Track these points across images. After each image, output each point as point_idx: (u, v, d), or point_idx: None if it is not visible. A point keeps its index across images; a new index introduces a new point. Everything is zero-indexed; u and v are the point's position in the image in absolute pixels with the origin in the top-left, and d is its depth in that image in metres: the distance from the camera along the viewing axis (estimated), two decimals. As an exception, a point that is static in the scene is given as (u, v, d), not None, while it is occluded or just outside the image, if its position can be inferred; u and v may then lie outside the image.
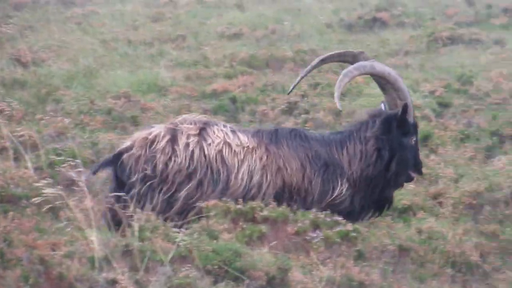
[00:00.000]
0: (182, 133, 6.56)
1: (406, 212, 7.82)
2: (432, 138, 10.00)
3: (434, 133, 10.12)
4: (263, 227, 6.26)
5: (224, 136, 6.64)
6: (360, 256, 6.26)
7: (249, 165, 6.64)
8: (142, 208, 6.24)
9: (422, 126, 10.10)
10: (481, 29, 16.82)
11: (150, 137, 6.51)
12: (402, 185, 7.28)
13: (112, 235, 5.56)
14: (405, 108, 6.94)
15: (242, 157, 6.64)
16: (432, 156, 9.48)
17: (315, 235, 6.25)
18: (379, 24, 17.52)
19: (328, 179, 6.89)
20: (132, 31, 18.11)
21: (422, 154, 9.31)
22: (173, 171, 6.44)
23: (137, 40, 16.75)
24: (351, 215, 7.04)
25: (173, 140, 6.51)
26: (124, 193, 6.34)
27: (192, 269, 5.29)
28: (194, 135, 6.57)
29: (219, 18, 19.40)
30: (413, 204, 7.89)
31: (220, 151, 6.56)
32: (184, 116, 6.88)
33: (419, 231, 7.05)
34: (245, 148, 6.68)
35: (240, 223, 6.17)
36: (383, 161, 7.00)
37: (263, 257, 5.71)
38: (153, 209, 6.31)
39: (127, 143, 6.61)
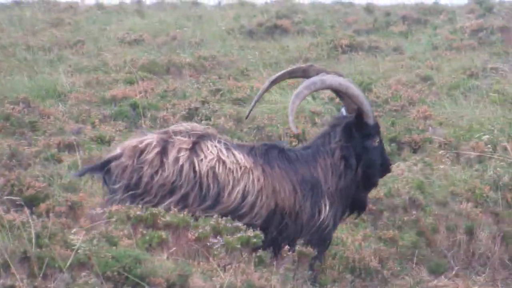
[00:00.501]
0: (173, 145, 6.49)
1: (305, 219, 7.89)
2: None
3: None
4: (164, 233, 6.23)
5: (218, 152, 6.57)
6: (260, 262, 6.30)
7: (246, 185, 6.58)
8: None
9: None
10: (380, 37, 17.17)
11: (140, 146, 6.43)
12: (375, 185, 7.29)
13: (10, 241, 5.48)
14: (358, 112, 6.93)
15: (239, 176, 6.58)
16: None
17: (216, 241, 6.26)
18: (279, 31, 17.67)
19: (315, 202, 6.87)
20: (31, 36, 17.82)
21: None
22: (157, 184, 6.39)
23: (36, 46, 16.49)
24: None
25: (163, 152, 6.45)
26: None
27: (91, 275, 5.21)
28: (186, 149, 6.49)
29: (119, 24, 19.29)
30: None
31: (213, 167, 6.50)
32: (182, 124, 6.82)
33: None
34: (242, 168, 6.62)
35: (140, 229, 6.08)
36: (352, 169, 7.01)
37: (163, 264, 5.69)
38: None
39: (117, 150, 6.54)
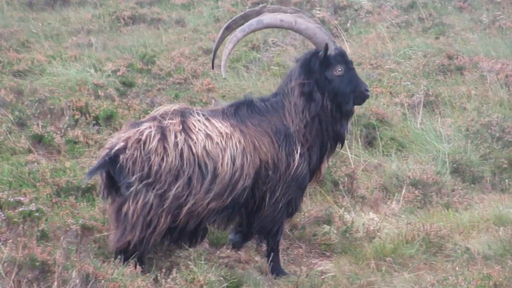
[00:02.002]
0: (169, 130, 6.54)
1: (89, 192, 7.84)
2: (116, 117, 10.07)
3: (118, 112, 10.18)
4: None
5: (204, 128, 6.65)
6: (43, 236, 6.27)
7: (231, 151, 6.65)
8: (136, 205, 6.35)
9: (105, 106, 10.25)
10: (162, 9, 17.16)
11: (142, 138, 6.44)
12: (351, 113, 7.27)
13: None
14: (325, 49, 6.97)
15: (224, 145, 6.64)
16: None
17: (-4, 215, 6.20)
18: (60, 2, 17.34)
19: (289, 150, 6.96)
20: None
21: (106, 135, 9.50)
22: (165, 171, 6.42)
23: None
24: (315, 174, 7.30)
25: (163, 139, 6.49)
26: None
27: None
28: (180, 131, 6.55)
29: None
30: (96, 184, 7.83)
31: (204, 145, 6.57)
32: (162, 108, 6.83)
33: (103, 211, 7.17)
34: (224, 136, 6.68)
35: None
36: (317, 102, 7.04)
37: None
38: (145, 205, 6.38)
39: (119, 144, 6.45)
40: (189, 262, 6.67)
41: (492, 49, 13.52)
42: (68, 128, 9.66)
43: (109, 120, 10.07)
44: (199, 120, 6.74)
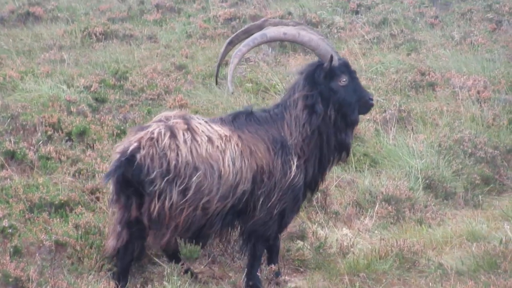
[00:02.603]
0: (177, 129, 6.62)
1: (62, 208, 7.83)
2: (88, 133, 10.06)
3: (91, 128, 10.17)
4: None
5: (206, 130, 6.74)
6: (16, 252, 6.24)
7: (231, 153, 6.72)
8: (157, 202, 6.45)
9: (78, 122, 10.23)
10: (134, 25, 17.14)
11: (154, 136, 6.53)
12: (356, 123, 7.33)
13: None
14: (330, 60, 7.01)
15: (224, 146, 6.71)
16: (89, 151, 9.56)
17: (-31, 232, 6.19)
18: (32, 18, 17.28)
19: (285, 160, 6.99)
20: None
21: (78, 151, 9.48)
22: (182, 165, 6.50)
23: None
24: (315, 186, 7.36)
25: (173, 136, 6.56)
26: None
27: None
28: (186, 130, 6.64)
29: None
30: (69, 200, 7.92)
31: (206, 145, 6.65)
32: (163, 113, 6.93)
33: (76, 226, 7.18)
34: (223, 138, 6.76)
35: None
36: (319, 115, 7.06)
37: None
38: (170, 200, 6.48)
39: (133, 144, 6.52)
40: (165, 277, 6.66)
41: (463, 65, 13.66)
42: (41, 144, 9.61)
43: (81, 136, 10.04)
44: (200, 123, 6.83)
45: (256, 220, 7.03)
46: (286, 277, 7.30)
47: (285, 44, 14.91)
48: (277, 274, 7.15)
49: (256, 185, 6.92)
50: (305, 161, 7.14)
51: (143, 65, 14.12)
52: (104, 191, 8.19)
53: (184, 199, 6.53)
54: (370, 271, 7.44)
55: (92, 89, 12.00)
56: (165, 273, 6.69)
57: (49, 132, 9.96)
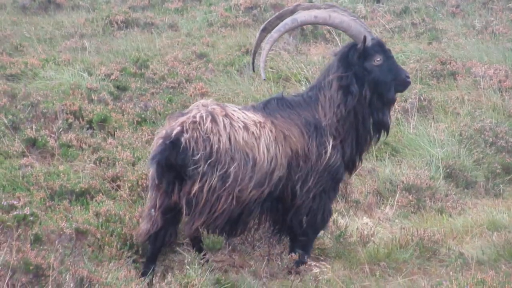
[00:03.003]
0: (217, 114, 6.66)
1: (83, 195, 7.86)
2: (109, 121, 10.10)
3: (112, 116, 10.21)
4: None
5: (241, 117, 6.76)
6: (37, 240, 6.24)
7: (265, 139, 6.73)
8: (198, 184, 6.46)
9: (99, 110, 10.26)
10: (155, 13, 17.16)
11: (197, 119, 6.57)
12: (393, 101, 7.32)
13: None
14: (363, 41, 7.01)
15: (259, 133, 6.72)
16: (110, 139, 9.60)
17: (-12, 220, 6.19)
18: (53, 6, 17.31)
19: (320, 141, 6.99)
20: None
21: (99, 139, 9.51)
22: (223, 150, 6.53)
23: None
24: (353, 166, 7.35)
25: (214, 121, 6.59)
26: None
27: None
28: (225, 115, 6.68)
29: None
30: (90, 187, 7.94)
31: (243, 130, 6.66)
32: (200, 101, 6.95)
33: (97, 214, 7.18)
34: (258, 125, 6.78)
35: None
36: (354, 95, 7.06)
37: None
38: (210, 187, 6.50)
39: (176, 128, 6.55)
40: (186, 266, 6.64)
41: (485, 55, 13.58)
42: (62, 132, 9.69)
43: (102, 124, 10.09)
44: (235, 110, 6.85)
45: (298, 208, 7.05)
46: (307, 265, 7.27)
47: (306, 33, 14.88)
48: (298, 263, 7.11)
49: (292, 170, 6.92)
50: (341, 141, 7.14)
51: (164, 53, 14.13)
52: (124, 179, 8.19)
53: (223, 186, 6.56)
54: (390, 260, 7.42)
55: (113, 77, 12.02)
56: (186, 261, 6.67)
57: (70, 120, 10.01)
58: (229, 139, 6.59)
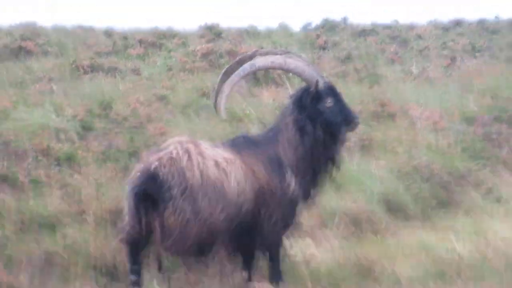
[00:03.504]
0: (192, 152, 6.72)
1: (52, 225, 7.91)
2: (76, 159, 10.12)
3: (78, 154, 10.23)
4: None
5: (212, 153, 6.84)
6: (9, 262, 6.27)
7: (235, 175, 6.81)
8: (174, 216, 6.52)
9: (65, 148, 10.31)
10: (119, 59, 17.16)
11: (173, 156, 6.63)
12: (344, 140, 7.49)
13: None
14: (315, 85, 7.16)
15: (229, 169, 6.80)
16: (76, 175, 9.61)
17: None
18: (24, 52, 17.29)
19: (282, 178, 7.11)
20: None
21: (66, 174, 9.52)
22: (196, 186, 6.58)
23: None
24: (310, 196, 7.43)
25: (189, 159, 6.66)
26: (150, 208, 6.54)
27: None
28: (198, 153, 6.75)
29: None
30: (58, 217, 8.03)
31: (214, 167, 6.74)
32: (174, 138, 7.02)
33: (64, 237, 7.27)
34: (229, 161, 6.86)
35: None
36: (309, 135, 7.21)
37: None
38: (183, 218, 6.55)
39: (154, 163, 6.62)
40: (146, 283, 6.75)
41: (421, 98, 13.75)
42: (31, 168, 9.66)
43: (69, 161, 10.09)
44: (207, 148, 6.96)
45: (265, 234, 7.18)
46: (256, 283, 7.38)
47: (258, 77, 15.01)
48: (248, 280, 7.25)
49: (258, 204, 7.03)
50: (301, 178, 7.28)
51: (127, 95, 14.04)
52: (90, 211, 8.23)
53: (196, 217, 6.63)
54: (331, 279, 7.52)
55: (79, 117, 11.94)
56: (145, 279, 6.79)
57: (39, 158, 10.00)
58: (201, 175, 6.69)
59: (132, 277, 6.72)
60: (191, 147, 6.84)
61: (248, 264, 7.41)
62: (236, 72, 7.28)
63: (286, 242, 8.03)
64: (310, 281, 7.36)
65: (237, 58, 7.52)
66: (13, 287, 5.78)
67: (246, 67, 7.27)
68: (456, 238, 8.29)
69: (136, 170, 6.85)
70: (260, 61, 7.30)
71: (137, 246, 6.82)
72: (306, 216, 8.86)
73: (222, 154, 6.96)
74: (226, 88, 7.29)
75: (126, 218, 6.87)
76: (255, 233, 7.21)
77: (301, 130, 7.26)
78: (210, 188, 6.72)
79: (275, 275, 7.38)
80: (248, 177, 6.97)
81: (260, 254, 7.50)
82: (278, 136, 7.32)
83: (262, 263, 7.71)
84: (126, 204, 6.91)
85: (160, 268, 6.87)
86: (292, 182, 7.18)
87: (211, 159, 6.85)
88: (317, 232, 8.87)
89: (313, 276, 7.54)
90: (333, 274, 7.64)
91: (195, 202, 6.63)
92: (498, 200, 10.42)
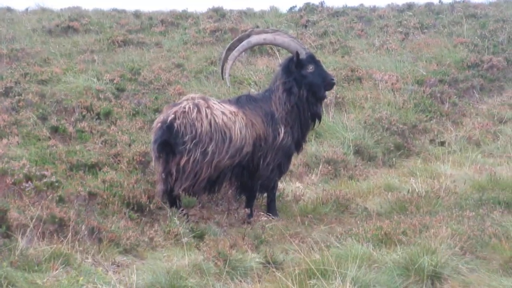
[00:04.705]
0: (201, 105, 6.61)
1: (94, 168, 7.79)
2: (112, 114, 10.02)
3: (114, 110, 10.14)
4: (-13, 179, 6.05)
5: (220, 107, 6.73)
6: (60, 200, 6.21)
7: (239, 124, 6.72)
8: (185, 157, 6.45)
9: (104, 105, 10.16)
10: (145, 35, 17.02)
11: (186, 110, 6.52)
12: (323, 98, 7.38)
13: None
14: (297, 55, 7.07)
15: (234, 119, 6.71)
16: (113, 127, 9.51)
17: (27, 185, 6.14)
18: (71, 30, 17.08)
19: (274, 128, 7.01)
20: None
21: (105, 126, 9.40)
22: (204, 133, 6.48)
23: None
24: (300, 146, 7.35)
25: (198, 111, 6.55)
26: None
27: None
28: (207, 107, 6.62)
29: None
30: (98, 162, 7.87)
31: (221, 117, 6.65)
32: (189, 95, 6.97)
33: (103, 181, 7.13)
34: (233, 113, 6.75)
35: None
36: (295, 95, 7.12)
37: (-13, 202, 5.52)
38: (195, 160, 6.47)
39: (171, 115, 6.53)
40: (168, 218, 6.62)
41: (382, 65, 13.67)
42: (78, 122, 9.57)
43: (107, 115, 9.99)
44: (215, 103, 6.86)
45: (260, 176, 7.10)
46: (256, 218, 7.28)
47: (254, 49, 14.83)
48: (249, 216, 7.13)
49: (256, 148, 6.96)
50: (290, 127, 7.19)
51: (152, 64, 14.00)
52: (123, 155, 8.12)
53: (204, 159, 6.57)
54: (315, 213, 7.47)
55: (115, 81, 11.93)
56: (168, 215, 6.66)
57: (84, 113, 9.92)
58: (210, 124, 6.60)
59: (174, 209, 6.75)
60: (201, 102, 6.74)
61: (250, 202, 7.30)
62: (237, 48, 7.27)
63: (280, 185, 7.95)
64: (299, 215, 7.28)
65: (237, 37, 7.46)
66: (63, 220, 5.68)
67: (244, 44, 7.25)
68: (415, 181, 8.21)
69: (157, 121, 6.81)
70: (255, 39, 7.28)
71: (172, 197, 6.79)
72: (295, 163, 8.81)
73: (228, 108, 6.87)
74: (230, 61, 7.30)
75: (157, 170, 6.82)
76: (255, 176, 7.12)
77: (288, 90, 7.15)
78: (217, 135, 6.63)
79: (272, 211, 7.31)
80: (248, 126, 6.87)
81: (259, 195, 7.41)
82: (272, 96, 7.21)
83: (261, 202, 7.63)
84: (152, 155, 6.85)
85: (179, 206, 6.76)
86: (281, 131, 7.08)
87: (219, 110, 6.75)
88: (304, 177, 8.77)
89: (301, 211, 7.47)
90: (317, 209, 7.56)
91: (203, 146, 6.55)
92: (442, 144, 10.34)
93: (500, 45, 15.35)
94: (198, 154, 6.54)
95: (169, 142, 6.53)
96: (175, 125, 6.52)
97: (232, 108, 6.89)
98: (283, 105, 7.14)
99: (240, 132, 6.76)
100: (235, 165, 6.86)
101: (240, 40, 7.33)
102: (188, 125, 6.53)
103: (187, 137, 6.50)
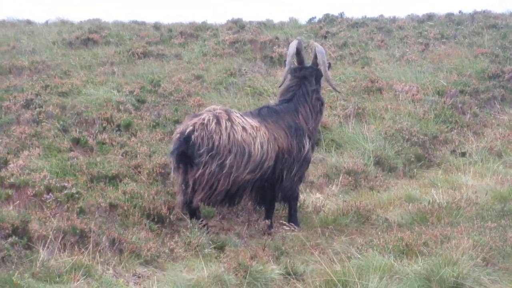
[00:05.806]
0: (221, 118, 6.58)
1: (114, 179, 7.83)
2: (132, 125, 10.07)
3: (134, 121, 10.19)
4: (9, 191, 6.09)
5: (242, 121, 6.69)
6: (81, 211, 6.24)
7: (260, 139, 6.69)
8: (201, 169, 6.40)
9: (125, 117, 10.23)
10: (165, 47, 17.09)
11: (205, 122, 6.50)
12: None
13: None
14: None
15: (255, 134, 6.68)
16: (133, 138, 9.57)
17: (48, 196, 6.18)
18: (91, 42, 17.18)
19: (299, 140, 7.02)
20: None
21: (125, 138, 9.47)
22: (222, 146, 6.44)
23: None
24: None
25: (218, 123, 6.52)
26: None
27: None
28: (227, 119, 6.59)
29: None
30: (119, 173, 7.92)
31: (241, 132, 6.61)
32: (211, 106, 6.96)
33: (124, 192, 7.17)
34: (255, 128, 6.73)
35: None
36: (323, 105, 7.30)
37: (9, 213, 5.56)
38: (211, 172, 6.43)
39: (189, 127, 6.52)
40: (188, 229, 6.63)
41: (402, 76, 13.61)
42: (98, 133, 9.62)
43: (127, 127, 10.04)
44: (237, 116, 6.84)
45: (284, 187, 7.10)
46: (276, 229, 7.28)
47: (274, 60, 14.85)
48: (270, 227, 7.13)
49: (279, 161, 6.94)
50: (313, 141, 7.30)
51: (171, 75, 14.05)
52: (143, 167, 8.16)
53: (221, 171, 6.54)
54: (336, 224, 7.47)
55: (134, 93, 11.97)
56: (188, 226, 6.68)
57: (104, 124, 9.98)
58: (229, 137, 6.57)
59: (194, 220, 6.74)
60: (222, 114, 6.71)
61: (269, 214, 7.29)
62: (288, 56, 7.31)
63: (301, 196, 7.94)
64: (319, 227, 7.29)
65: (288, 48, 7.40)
66: (84, 232, 5.71)
67: (290, 51, 7.21)
68: (436, 192, 8.17)
69: (176, 131, 6.81)
70: (296, 46, 7.25)
71: (191, 208, 6.77)
72: (316, 174, 8.80)
73: (250, 122, 6.82)
74: (287, 66, 7.37)
75: (176, 182, 6.82)
76: (276, 187, 7.11)
77: (319, 99, 7.20)
78: (236, 148, 6.58)
79: (294, 221, 7.30)
80: (270, 141, 6.84)
81: (283, 204, 7.42)
82: (299, 106, 7.16)
83: (281, 213, 7.63)
84: (171, 166, 6.84)
85: (198, 217, 6.77)
86: (306, 144, 7.08)
87: (240, 125, 6.70)
88: (325, 188, 8.75)
89: (322, 222, 7.48)
90: (338, 220, 7.56)
91: (221, 159, 6.51)
92: (463, 154, 10.27)
93: (521, 55, 15.25)
94: (215, 166, 6.52)
95: (186, 154, 6.53)
96: (192, 137, 6.52)
97: (254, 122, 6.86)
98: (315, 116, 7.20)
99: (261, 147, 6.74)
100: (256, 179, 6.85)
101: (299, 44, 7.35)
102: (206, 137, 6.52)
103: (203, 149, 6.49)
